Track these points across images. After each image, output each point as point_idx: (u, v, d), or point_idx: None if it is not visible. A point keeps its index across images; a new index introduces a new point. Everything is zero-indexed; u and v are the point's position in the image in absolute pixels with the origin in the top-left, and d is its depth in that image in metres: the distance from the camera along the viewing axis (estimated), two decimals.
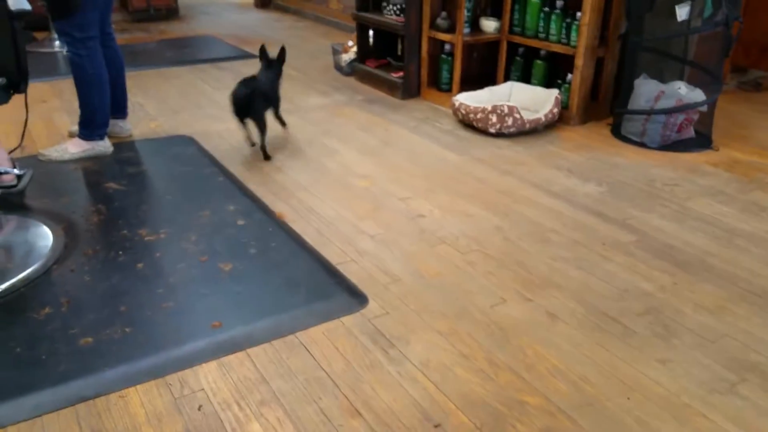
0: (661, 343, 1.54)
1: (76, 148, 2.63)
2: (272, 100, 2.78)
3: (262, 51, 2.77)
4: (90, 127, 2.62)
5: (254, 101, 2.57)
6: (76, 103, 2.62)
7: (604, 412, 1.32)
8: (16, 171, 2.08)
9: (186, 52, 4.60)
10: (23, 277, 1.79)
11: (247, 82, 2.59)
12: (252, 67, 4.24)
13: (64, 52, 2.52)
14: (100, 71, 2.56)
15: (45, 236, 2.01)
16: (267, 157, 2.63)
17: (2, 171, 2.06)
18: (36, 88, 3.62)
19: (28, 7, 1.88)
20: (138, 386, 1.39)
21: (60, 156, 2.60)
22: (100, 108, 2.61)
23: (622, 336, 1.57)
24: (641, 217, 2.18)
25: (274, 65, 2.78)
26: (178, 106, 3.36)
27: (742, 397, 1.37)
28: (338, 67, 4.09)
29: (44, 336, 1.54)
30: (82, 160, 2.60)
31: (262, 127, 2.61)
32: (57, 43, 4.48)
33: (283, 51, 2.79)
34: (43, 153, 2.61)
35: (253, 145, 2.72)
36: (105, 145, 2.68)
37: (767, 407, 1.34)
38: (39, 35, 4.71)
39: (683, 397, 1.36)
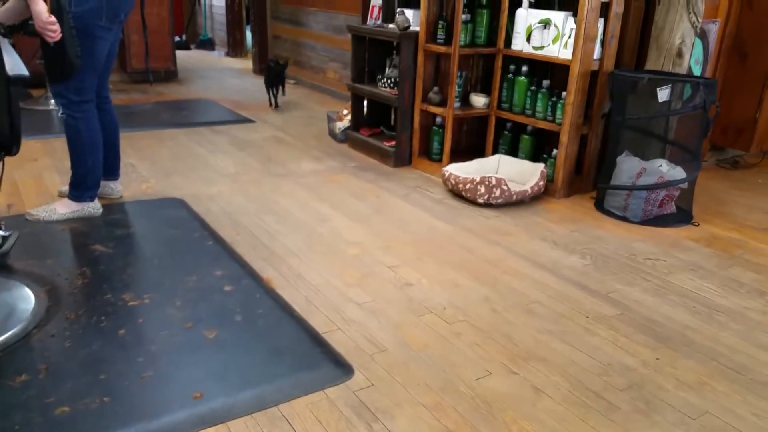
0: (644, 419, 1.53)
1: (65, 208, 2.64)
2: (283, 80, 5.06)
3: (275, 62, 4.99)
4: (80, 188, 2.65)
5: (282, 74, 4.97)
6: (67, 163, 2.65)
7: None
8: (1, 232, 2.09)
9: (182, 115, 4.71)
10: (1, 341, 1.76)
11: (277, 64, 4.94)
12: (248, 132, 4.37)
13: (60, 114, 2.55)
14: (94, 134, 2.60)
15: (27, 299, 1.99)
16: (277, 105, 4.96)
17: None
18: (28, 145, 3.65)
19: (26, 73, 1.94)
20: None
21: (48, 216, 2.61)
22: (92, 170, 2.64)
23: (605, 412, 1.56)
24: (624, 291, 2.21)
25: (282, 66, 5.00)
26: (171, 169, 3.41)
27: None
28: (332, 134, 4.21)
29: (19, 404, 1.51)
30: (69, 221, 2.61)
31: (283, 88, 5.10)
32: (52, 101, 4.58)
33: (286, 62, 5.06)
34: (31, 213, 2.62)
35: (277, 106, 4.97)
36: (95, 207, 2.69)
37: None
38: (35, 92, 4.82)
39: None
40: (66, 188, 2.73)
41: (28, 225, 2.55)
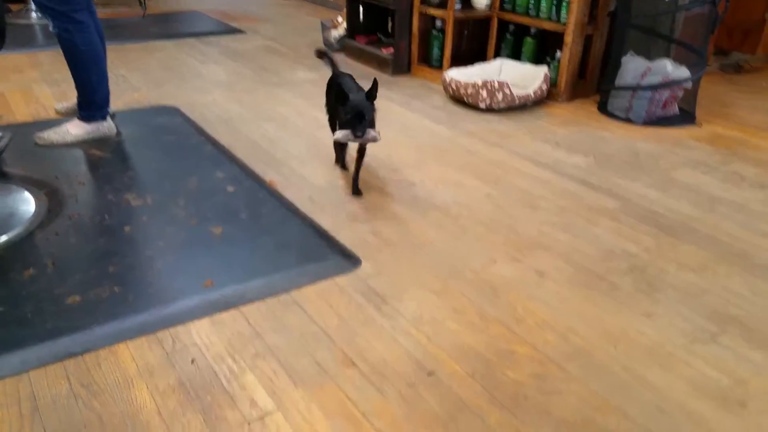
0: (646, 298, 1.57)
1: (77, 129, 2.44)
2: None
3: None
4: (90, 108, 2.44)
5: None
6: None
7: (591, 360, 1.35)
8: None
9: (171, 27, 4.53)
10: (5, 240, 1.76)
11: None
12: (239, 42, 4.20)
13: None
14: (93, 47, 2.34)
15: (26, 201, 1.98)
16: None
17: None
18: (10, 58, 3.55)
19: None
20: (128, 342, 1.38)
21: (62, 139, 2.42)
22: (99, 86, 2.42)
23: (608, 292, 1.59)
24: (626, 186, 2.21)
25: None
26: (163, 79, 3.31)
27: (723, 346, 1.40)
28: (327, 43, 4.07)
29: (29, 296, 1.52)
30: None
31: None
32: (34, 14, 4.38)
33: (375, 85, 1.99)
34: (42, 136, 2.42)
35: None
36: (109, 126, 2.50)
37: (746, 355, 1.38)
38: (14, 7, 4.60)
39: (667, 347, 1.39)
40: (64, 105, 2.64)
41: (18, 133, 2.47)
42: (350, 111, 1.91)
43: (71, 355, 1.34)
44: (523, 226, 1.93)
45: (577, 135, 2.70)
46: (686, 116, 2.90)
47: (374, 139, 1.96)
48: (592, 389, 1.27)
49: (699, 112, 2.92)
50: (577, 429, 1.17)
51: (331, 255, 1.75)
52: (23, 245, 1.74)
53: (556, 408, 1.22)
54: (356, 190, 2.10)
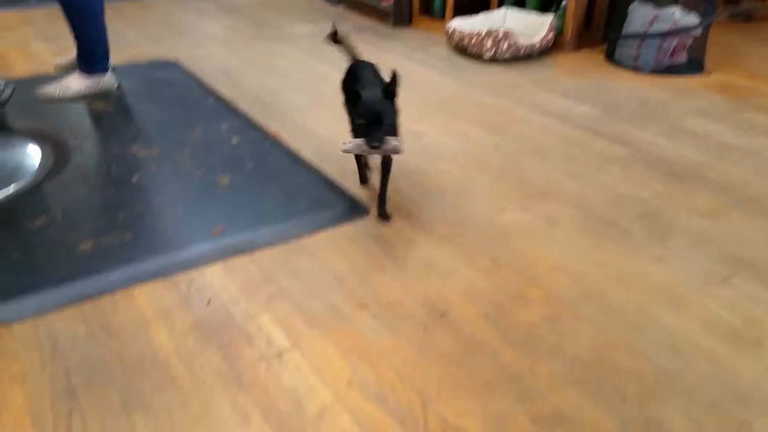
0: (657, 242, 1.57)
1: (78, 83, 2.40)
2: None
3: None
4: (90, 60, 2.39)
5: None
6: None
7: (604, 302, 1.36)
8: None
9: None
10: (13, 191, 1.75)
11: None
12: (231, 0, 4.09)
13: None
14: None
15: (33, 153, 1.96)
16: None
17: None
18: (2, 16, 3.47)
19: None
20: (143, 285, 1.39)
21: (62, 93, 2.38)
22: (99, 39, 2.37)
23: (619, 237, 1.60)
24: (635, 134, 2.19)
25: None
26: (160, 34, 3.25)
27: (735, 287, 1.41)
28: None
29: (41, 243, 1.52)
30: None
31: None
32: None
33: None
34: (43, 91, 2.38)
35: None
36: (109, 80, 2.46)
37: (758, 295, 1.39)
38: None
39: (680, 288, 1.40)
40: (63, 59, 2.59)
41: (21, 89, 2.44)
42: (363, 114, 1.46)
43: (87, 298, 1.35)
44: (532, 174, 1.92)
45: (584, 84, 2.66)
46: (695, 65, 2.86)
47: (395, 151, 1.49)
48: (605, 329, 1.28)
49: (708, 61, 2.88)
50: (591, 366, 1.19)
51: (340, 203, 1.74)
52: (32, 195, 1.73)
53: (569, 347, 1.24)
54: (383, 213, 1.66)
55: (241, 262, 1.48)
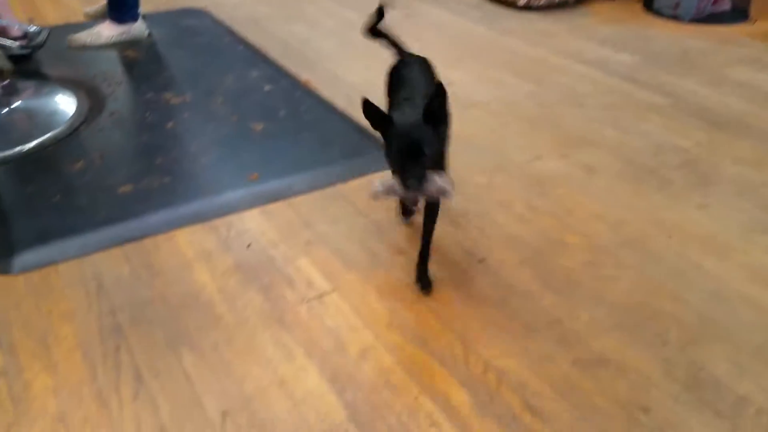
0: (699, 191, 1.54)
1: (109, 31, 2.39)
2: None
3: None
4: (121, 9, 2.38)
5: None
6: None
7: (645, 249, 1.34)
8: (33, 27, 2.01)
9: None
10: (51, 136, 1.76)
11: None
12: None
13: None
14: None
15: (68, 100, 1.97)
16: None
17: (21, 30, 1.99)
18: None
19: None
20: (183, 228, 1.41)
21: (93, 41, 2.37)
22: None
23: (659, 186, 1.56)
24: (676, 83, 2.12)
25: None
26: None
27: None
28: None
29: (81, 186, 1.54)
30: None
31: None
32: None
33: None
34: (74, 38, 2.37)
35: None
36: (140, 28, 2.44)
37: None
38: None
39: (723, 237, 1.38)
40: (93, 8, 2.57)
41: (52, 37, 2.42)
42: (395, 144, 1.09)
43: (129, 239, 1.37)
44: (569, 122, 1.87)
45: (622, 33, 2.57)
46: (739, 13, 2.74)
47: (442, 193, 1.11)
48: (646, 275, 1.27)
49: (753, 9, 2.75)
50: (632, 311, 1.18)
51: (374, 151, 1.73)
52: (69, 140, 1.75)
53: (609, 292, 1.23)
54: (423, 280, 1.24)
55: (278, 207, 1.49)
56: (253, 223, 1.43)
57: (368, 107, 1.11)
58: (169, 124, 1.82)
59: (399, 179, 1.09)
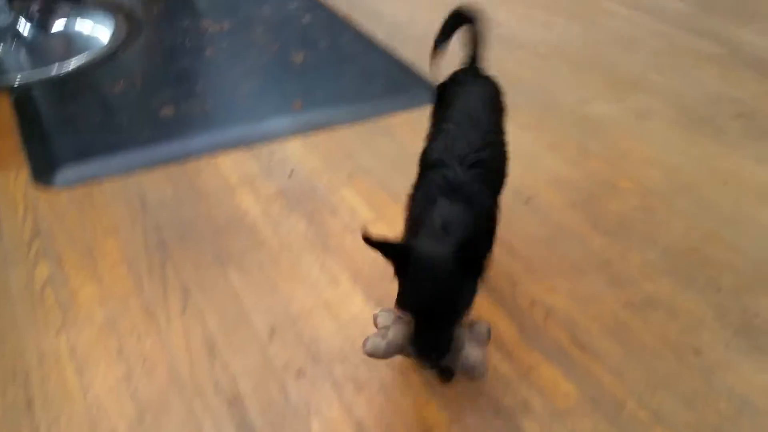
0: (756, 143, 1.48)
1: None
2: None
3: None
4: None
5: None
6: None
7: (699, 196, 1.30)
8: None
9: None
10: (90, 59, 1.74)
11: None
12: None
13: None
14: None
15: (105, 24, 1.93)
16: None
17: None
18: None
19: None
20: (226, 153, 1.39)
21: None
22: None
23: (714, 135, 1.51)
24: (733, 32, 2.02)
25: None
26: None
27: None
28: None
29: (123, 106, 1.53)
30: None
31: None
32: None
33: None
34: None
35: None
36: None
37: None
38: None
39: None
40: None
41: None
42: (412, 294, 0.77)
43: (172, 160, 1.35)
44: (620, 67, 1.80)
45: None
46: None
47: (473, 371, 0.79)
48: (699, 222, 1.23)
49: None
50: (684, 256, 1.15)
51: (417, 86, 1.68)
52: (109, 63, 1.73)
53: (662, 237, 1.20)
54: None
55: (321, 137, 1.46)
56: (295, 151, 1.41)
57: (371, 243, 0.79)
58: (208, 51, 1.78)
59: (413, 346, 0.76)
